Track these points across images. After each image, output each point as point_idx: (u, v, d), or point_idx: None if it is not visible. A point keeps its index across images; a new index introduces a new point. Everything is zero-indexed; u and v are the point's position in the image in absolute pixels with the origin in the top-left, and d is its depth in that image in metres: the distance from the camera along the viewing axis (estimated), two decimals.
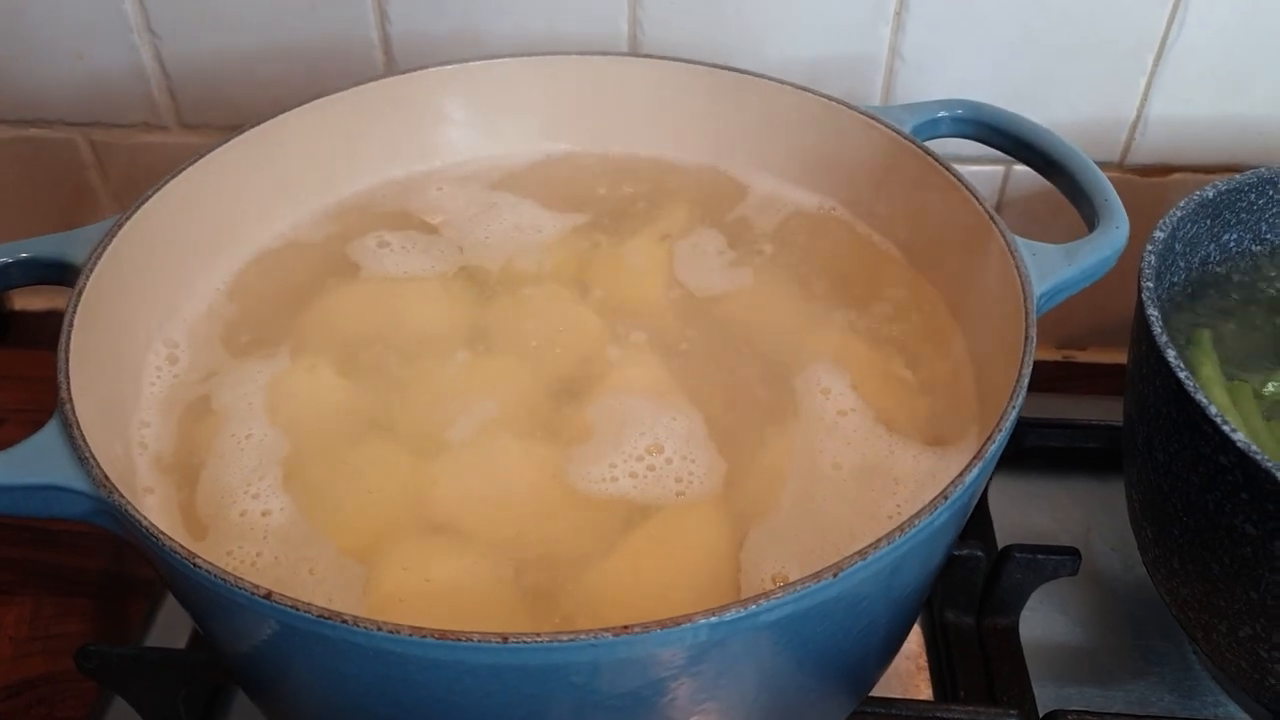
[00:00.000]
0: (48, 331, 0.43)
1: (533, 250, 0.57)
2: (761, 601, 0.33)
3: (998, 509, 0.65)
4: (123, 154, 0.73)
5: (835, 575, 0.34)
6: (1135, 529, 0.56)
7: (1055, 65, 0.66)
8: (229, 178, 0.54)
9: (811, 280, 0.55)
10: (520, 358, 0.51)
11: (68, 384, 0.41)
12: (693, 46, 0.66)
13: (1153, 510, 0.52)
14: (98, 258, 0.46)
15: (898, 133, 0.54)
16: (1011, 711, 0.52)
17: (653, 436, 0.47)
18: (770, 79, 0.58)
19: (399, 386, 0.50)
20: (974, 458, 0.38)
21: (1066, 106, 0.67)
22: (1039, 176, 0.54)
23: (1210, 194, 0.56)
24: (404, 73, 0.59)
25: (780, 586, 0.33)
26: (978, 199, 0.50)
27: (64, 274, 0.47)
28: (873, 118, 0.55)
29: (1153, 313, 0.49)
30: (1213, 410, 0.45)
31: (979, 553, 0.57)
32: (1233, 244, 0.59)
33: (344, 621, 0.32)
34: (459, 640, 0.32)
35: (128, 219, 0.48)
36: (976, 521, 0.63)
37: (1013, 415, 0.40)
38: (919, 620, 0.60)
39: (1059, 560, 0.56)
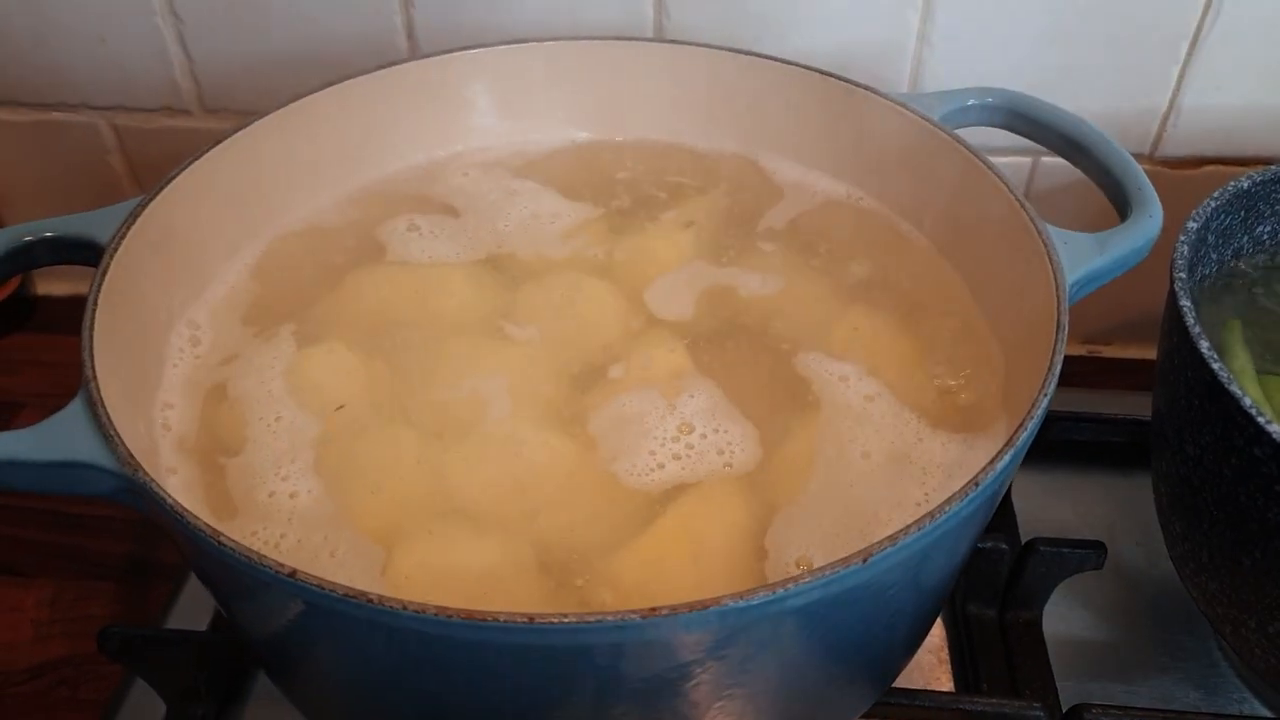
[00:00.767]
0: (70, 316, 0.42)
1: (556, 236, 0.57)
2: (790, 586, 0.32)
3: (1021, 502, 0.64)
4: (145, 138, 0.73)
5: (864, 561, 0.33)
6: (1162, 523, 0.55)
7: (1085, 54, 0.65)
8: (253, 160, 0.54)
9: (838, 268, 0.55)
10: (543, 344, 0.51)
11: (92, 362, 0.40)
12: (718, 32, 0.65)
13: (1181, 504, 0.51)
14: (122, 236, 0.46)
15: (928, 120, 0.54)
16: (1035, 705, 0.52)
17: (680, 416, 0.47)
18: (797, 65, 0.58)
19: (421, 370, 0.50)
20: (1005, 444, 0.37)
21: (1096, 96, 0.66)
22: (1064, 170, 0.53)
23: (1245, 185, 0.55)
24: (427, 57, 0.59)
25: (809, 571, 0.33)
26: (1009, 187, 0.49)
27: (88, 253, 0.46)
28: (902, 105, 0.55)
29: (1185, 304, 0.49)
30: (1247, 402, 0.44)
31: (1003, 545, 0.56)
32: (1266, 236, 0.58)
33: (369, 601, 0.32)
34: (485, 620, 0.31)
35: (152, 198, 0.48)
36: (1001, 514, 0.63)
37: (1044, 403, 0.39)
38: (941, 613, 0.59)
39: (1084, 554, 0.56)
